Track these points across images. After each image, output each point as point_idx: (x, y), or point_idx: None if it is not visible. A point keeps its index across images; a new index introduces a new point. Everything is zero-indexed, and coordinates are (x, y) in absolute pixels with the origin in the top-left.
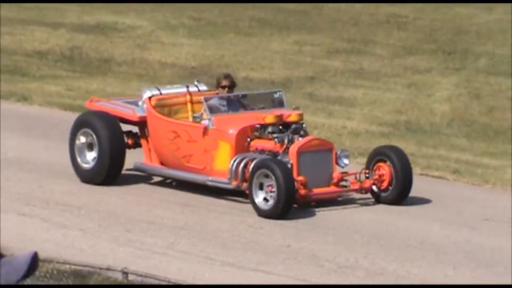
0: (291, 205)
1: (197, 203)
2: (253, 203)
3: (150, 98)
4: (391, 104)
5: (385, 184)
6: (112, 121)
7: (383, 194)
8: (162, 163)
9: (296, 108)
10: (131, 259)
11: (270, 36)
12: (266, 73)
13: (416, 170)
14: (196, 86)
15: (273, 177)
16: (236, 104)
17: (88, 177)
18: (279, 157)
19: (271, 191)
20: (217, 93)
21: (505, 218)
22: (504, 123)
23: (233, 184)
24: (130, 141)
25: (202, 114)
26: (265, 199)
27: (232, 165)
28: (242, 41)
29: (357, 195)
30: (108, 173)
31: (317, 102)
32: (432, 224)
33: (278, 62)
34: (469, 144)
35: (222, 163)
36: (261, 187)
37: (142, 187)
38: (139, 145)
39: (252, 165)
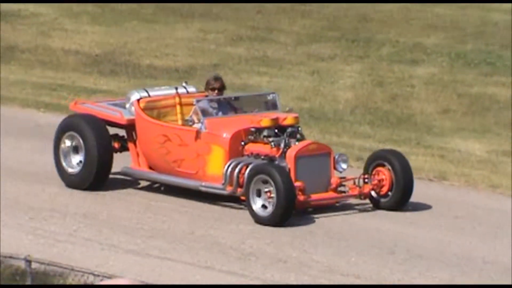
0: (291, 212)
1: (100, 191)
2: (250, 209)
3: (138, 100)
4: (295, 92)
5: (384, 189)
6: (99, 124)
7: (382, 200)
8: (150, 168)
9: (290, 111)
10: (35, 247)
11: (174, 24)
12: (170, 60)
13: None
14: (185, 88)
15: (272, 183)
16: (227, 106)
17: (74, 182)
18: (276, 162)
19: (269, 197)
20: (206, 95)
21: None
22: (406, 111)
23: (228, 190)
24: (116, 145)
25: (192, 116)
26: (263, 206)
27: (227, 170)
28: (146, 28)
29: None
30: (95, 177)
31: None
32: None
33: (182, 50)
34: (372, 131)
35: (215, 168)
36: (258, 193)
37: (45, 175)
38: (126, 149)
39: (249, 169)
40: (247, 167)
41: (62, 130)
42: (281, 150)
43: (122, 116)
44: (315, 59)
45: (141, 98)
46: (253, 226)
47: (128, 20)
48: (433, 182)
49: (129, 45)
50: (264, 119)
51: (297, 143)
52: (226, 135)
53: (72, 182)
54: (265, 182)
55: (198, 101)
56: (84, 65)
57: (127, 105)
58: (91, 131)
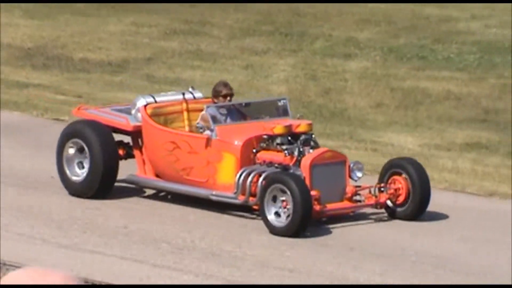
0: (308, 222)
1: (34, 185)
2: (265, 220)
3: (145, 106)
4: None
5: (401, 198)
6: (104, 131)
7: (398, 209)
8: (157, 175)
9: (301, 117)
10: None
11: (107, 17)
12: (103, 54)
13: None
14: (191, 93)
15: (289, 192)
16: (236, 113)
17: (78, 190)
18: (291, 171)
19: (285, 207)
20: (214, 102)
21: None
22: (340, 105)
23: (240, 199)
24: (121, 152)
25: (201, 123)
26: (278, 215)
27: (239, 178)
28: (79, 21)
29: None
30: (101, 185)
31: (154, 83)
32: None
33: (115, 43)
34: None
35: (226, 176)
36: (273, 203)
37: None
38: (131, 156)
39: (262, 178)
40: (260, 175)
41: (66, 137)
42: (295, 158)
43: (128, 122)
44: (248, 53)
45: (147, 104)
46: (186, 220)
47: (60, 13)
48: (366, 176)
49: (62, 39)
50: (277, 126)
51: (311, 151)
52: (238, 143)
53: (76, 190)
54: (281, 191)
55: (208, 107)
56: (16, 58)
57: (133, 111)
58: (96, 137)
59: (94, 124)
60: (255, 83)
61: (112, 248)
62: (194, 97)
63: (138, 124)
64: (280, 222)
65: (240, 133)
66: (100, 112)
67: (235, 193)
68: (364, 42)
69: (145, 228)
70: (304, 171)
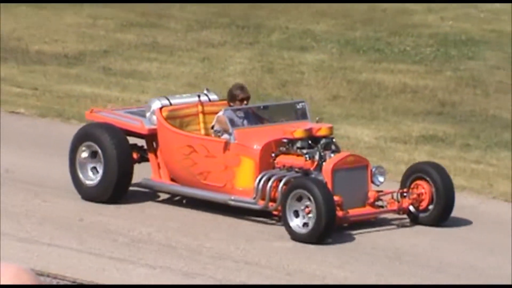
0: (331, 229)
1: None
2: (287, 226)
3: (161, 109)
4: (185, 78)
5: (424, 204)
6: (118, 134)
7: (421, 215)
8: (172, 179)
9: (320, 120)
10: None
11: (63, 9)
12: (59, 46)
13: None
14: (206, 95)
15: (312, 199)
16: (252, 116)
17: (92, 194)
18: (313, 175)
19: (308, 213)
20: (230, 105)
21: None
22: (296, 97)
23: (260, 204)
24: (135, 155)
25: (218, 126)
26: (301, 223)
27: (258, 183)
28: (35, 13)
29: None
30: (115, 190)
31: (111, 76)
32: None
33: (71, 36)
34: None
35: (245, 181)
36: (296, 210)
37: None
38: (145, 160)
39: (282, 183)
40: (280, 180)
41: (79, 140)
42: (316, 163)
43: (143, 125)
44: (205, 46)
45: (162, 106)
46: (143, 212)
47: (16, 5)
48: None
49: (18, 31)
50: (298, 130)
51: (332, 155)
52: (257, 147)
53: (90, 194)
54: (303, 197)
55: (226, 110)
56: None
57: (148, 114)
58: (111, 141)
59: (108, 127)
60: (211, 76)
61: (68, 240)
62: (209, 100)
63: (153, 127)
64: (303, 229)
65: (259, 136)
66: (113, 114)
67: (254, 198)
68: (321, 35)
69: (101, 221)
70: (325, 176)
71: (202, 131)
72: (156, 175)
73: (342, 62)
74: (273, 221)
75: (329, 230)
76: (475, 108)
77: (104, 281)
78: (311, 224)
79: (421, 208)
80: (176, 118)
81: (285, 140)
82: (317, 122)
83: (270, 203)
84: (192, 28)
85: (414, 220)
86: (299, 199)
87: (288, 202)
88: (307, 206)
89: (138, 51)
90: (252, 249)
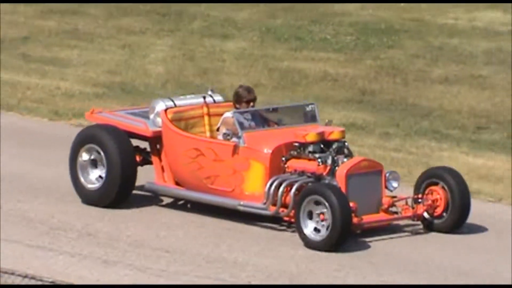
0: (347, 236)
1: None
2: (300, 233)
3: (166, 110)
4: (105, 65)
5: (439, 210)
6: (122, 136)
7: (436, 221)
8: (177, 183)
9: (329, 123)
10: None
11: None
12: None
13: None
14: (211, 96)
15: (327, 205)
16: (260, 118)
17: (94, 198)
18: (326, 180)
19: (323, 220)
20: (235, 107)
21: None
22: (217, 85)
23: (271, 210)
24: (138, 158)
25: (225, 129)
26: (316, 229)
27: (269, 188)
28: None
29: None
30: (118, 194)
31: (31, 62)
32: None
33: None
34: None
35: (254, 185)
36: (310, 216)
37: None
38: (148, 162)
39: (295, 188)
40: (292, 185)
41: (81, 142)
42: (329, 168)
43: (147, 127)
44: (126, 33)
45: (167, 108)
46: (62, 200)
47: None
48: None
49: None
50: (310, 134)
51: (345, 159)
52: (267, 150)
53: (92, 198)
54: (318, 203)
55: (235, 113)
56: None
57: (151, 116)
58: (114, 143)
59: (110, 129)
60: (132, 63)
61: None
62: (214, 101)
63: (158, 129)
64: (318, 236)
65: (269, 140)
66: (115, 116)
67: (264, 203)
68: (242, 23)
69: (20, 208)
70: (339, 181)
71: (208, 134)
72: (160, 178)
73: (263, 50)
74: (193, 209)
75: (344, 237)
76: (395, 96)
77: (24, 268)
78: (325, 231)
79: (435, 214)
80: (181, 120)
81: (296, 144)
82: (326, 124)
83: (281, 209)
84: (112, 15)
85: (428, 226)
86: (315, 204)
87: (302, 208)
88: (322, 213)
89: (58, 38)
90: (172, 237)
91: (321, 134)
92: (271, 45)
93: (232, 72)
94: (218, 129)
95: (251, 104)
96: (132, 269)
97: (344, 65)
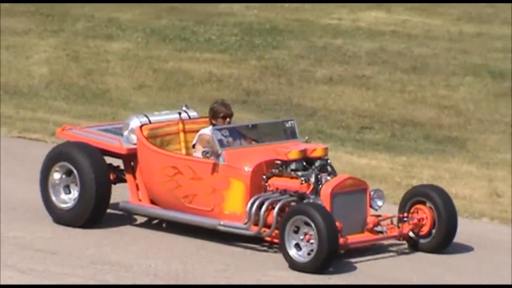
0: (333, 257)
1: None
2: (285, 254)
3: (141, 127)
4: None
5: (425, 229)
6: (95, 154)
7: (422, 241)
8: (152, 202)
9: (309, 140)
10: None
11: None
12: None
13: (14, 133)
14: (186, 112)
15: (313, 226)
16: (239, 135)
17: (67, 218)
18: (311, 199)
19: (308, 241)
20: (212, 123)
21: None
22: (102, 86)
23: (252, 230)
24: (111, 176)
25: (202, 146)
26: (300, 250)
27: (251, 207)
28: None
29: None
30: (92, 213)
31: None
32: None
33: None
34: (68, 106)
35: (234, 205)
36: (295, 236)
37: None
38: (122, 180)
39: (277, 208)
40: (275, 204)
41: (52, 160)
42: (312, 186)
43: (121, 144)
44: (9, 33)
45: (142, 124)
46: None
47: None
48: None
49: None
50: (292, 151)
51: (328, 178)
52: (248, 169)
53: (65, 219)
54: (304, 224)
55: (214, 130)
56: None
57: (125, 132)
58: (88, 161)
59: (83, 146)
60: (15, 64)
61: None
62: (189, 117)
63: (132, 146)
64: (303, 257)
65: (249, 157)
66: (87, 133)
67: (246, 223)
68: (126, 23)
69: None
70: (324, 200)
71: (183, 151)
72: (135, 197)
73: (148, 51)
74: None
75: (331, 258)
76: (280, 96)
77: None
78: (312, 253)
79: (421, 233)
80: (157, 137)
81: (278, 162)
82: (306, 141)
83: (263, 229)
84: None
85: (414, 246)
86: (300, 225)
87: (286, 229)
88: (307, 234)
89: None
90: (58, 239)
91: (304, 151)
92: (155, 46)
93: (117, 73)
94: (194, 146)
95: (227, 119)
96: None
97: (229, 65)
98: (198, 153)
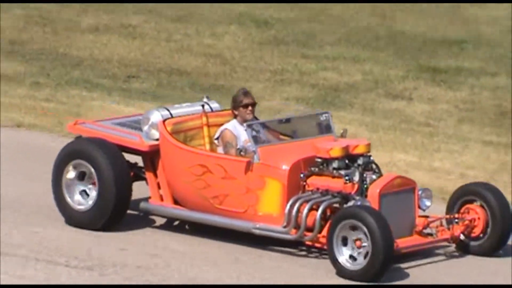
0: (388, 265)
1: None
2: (334, 262)
3: (164, 121)
4: None
5: (477, 230)
6: (114, 151)
7: (473, 243)
8: (176, 202)
9: (344, 133)
10: None
11: None
12: None
13: None
14: (208, 104)
15: (366, 230)
16: (272, 131)
17: (84, 221)
18: (359, 202)
19: (359, 247)
20: (234, 114)
21: None
22: None
23: (293, 234)
24: (131, 175)
25: (219, 141)
26: (352, 257)
27: (290, 209)
28: None
29: None
30: (112, 215)
31: None
32: None
33: None
34: None
35: (270, 206)
36: (344, 242)
37: None
38: (141, 179)
39: (321, 210)
40: (318, 206)
41: (66, 158)
42: (357, 186)
43: (142, 141)
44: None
45: (166, 119)
46: None
47: None
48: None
49: None
50: (335, 148)
51: (374, 176)
52: (285, 167)
53: (81, 221)
54: (354, 228)
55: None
56: None
57: (145, 127)
58: (106, 159)
59: (101, 143)
60: None
61: None
62: (211, 109)
63: (154, 142)
64: (355, 265)
65: (286, 155)
66: (104, 127)
67: (285, 226)
68: None
69: None
70: (372, 201)
71: (207, 146)
72: (156, 197)
73: None
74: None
75: (386, 266)
76: (45, 46)
77: None
78: (363, 260)
79: (473, 235)
80: (180, 132)
81: (318, 160)
82: (341, 135)
83: (305, 233)
84: None
85: (464, 249)
86: (350, 230)
87: (335, 234)
88: (358, 239)
89: None
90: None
91: (346, 148)
92: None
93: None
94: (217, 139)
95: (249, 108)
96: None
97: None
98: (220, 148)
